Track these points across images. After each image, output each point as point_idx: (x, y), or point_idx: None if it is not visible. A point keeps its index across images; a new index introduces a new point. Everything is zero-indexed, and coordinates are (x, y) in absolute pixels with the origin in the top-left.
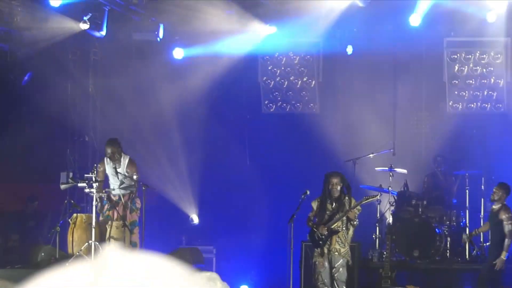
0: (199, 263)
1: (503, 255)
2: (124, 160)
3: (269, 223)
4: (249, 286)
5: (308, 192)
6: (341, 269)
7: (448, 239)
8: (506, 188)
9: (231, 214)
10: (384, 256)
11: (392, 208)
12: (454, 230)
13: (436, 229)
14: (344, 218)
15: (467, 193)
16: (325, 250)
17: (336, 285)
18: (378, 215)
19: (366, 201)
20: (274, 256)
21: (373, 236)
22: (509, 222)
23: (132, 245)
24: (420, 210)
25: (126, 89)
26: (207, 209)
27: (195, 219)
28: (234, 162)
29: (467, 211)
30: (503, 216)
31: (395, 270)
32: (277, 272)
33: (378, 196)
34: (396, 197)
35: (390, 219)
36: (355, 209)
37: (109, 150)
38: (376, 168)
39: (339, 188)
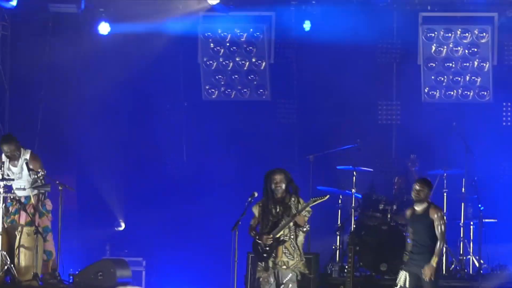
0: (126, 277)
1: (434, 261)
2: (25, 156)
3: (210, 230)
4: None
5: (256, 194)
6: (290, 285)
7: None
8: (430, 184)
9: (165, 219)
10: (345, 270)
11: (356, 213)
12: None
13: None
14: (292, 224)
15: (445, 196)
16: (270, 264)
17: None
18: (339, 221)
19: (314, 203)
20: (215, 269)
21: (333, 247)
22: (442, 222)
23: (47, 254)
24: (388, 216)
25: (41, 70)
26: (137, 214)
27: (122, 224)
28: (168, 158)
29: (445, 217)
30: (435, 215)
31: (359, 287)
32: (220, 285)
33: (327, 196)
34: (360, 201)
35: (353, 227)
36: (303, 212)
37: (6, 149)
38: (337, 167)
39: (283, 186)
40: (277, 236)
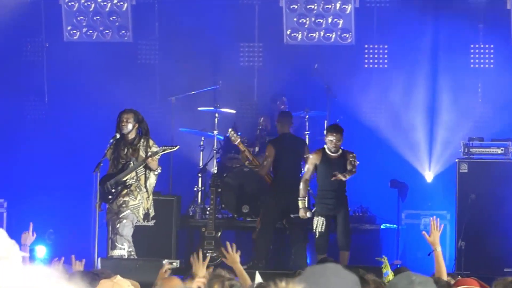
0: None
1: (347, 175)
2: None
3: (73, 171)
4: (47, 246)
5: (118, 136)
6: (124, 221)
7: None
8: (342, 131)
9: (27, 160)
10: (207, 212)
11: (218, 155)
12: None
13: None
14: (142, 166)
15: (307, 138)
16: (114, 206)
17: (115, 240)
18: (201, 163)
19: (163, 152)
20: (78, 211)
21: (195, 189)
22: (355, 160)
23: None
24: (250, 158)
25: None
26: None
27: None
28: (30, 98)
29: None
30: (350, 155)
31: (221, 230)
32: (81, 229)
33: (178, 147)
34: (222, 143)
35: (215, 169)
36: (155, 156)
37: None
38: (199, 108)
39: (129, 126)
40: (124, 179)
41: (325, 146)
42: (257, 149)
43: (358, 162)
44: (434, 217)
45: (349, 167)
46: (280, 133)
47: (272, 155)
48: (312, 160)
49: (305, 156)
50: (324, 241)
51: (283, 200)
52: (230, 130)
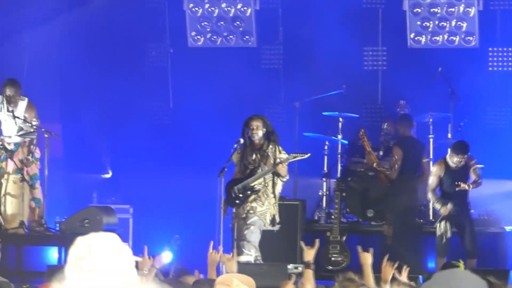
0: (113, 224)
1: (471, 186)
2: (22, 103)
3: (197, 176)
4: (172, 251)
5: (241, 141)
6: (252, 227)
7: None
8: (468, 149)
9: (152, 166)
10: (332, 217)
11: (342, 160)
12: None
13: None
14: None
15: (431, 142)
16: (241, 211)
17: (242, 246)
18: (325, 168)
19: (294, 159)
20: (202, 216)
21: (320, 193)
22: (477, 166)
23: (35, 202)
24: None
25: None
26: (124, 161)
27: (109, 171)
28: (155, 105)
29: (431, 163)
30: (471, 162)
31: (346, 234)
32: (206, 234)
33: (308, 154)
34: (347, 147)
35: (339, 173)
36: (285, 162)
37: (8, 92)
38: (323, 113)
39: (259, 133)
40: (252, 184)
41: (447, 157)
42: (381, 153)
43: (480, 169)
44: None
45: (473, 177)
46: (402, 136)
47: (400, 158)
48: (437, 172)
49: (423, 161)
50: (447, 245)
51: (406, 203)
52: (363, 130)
